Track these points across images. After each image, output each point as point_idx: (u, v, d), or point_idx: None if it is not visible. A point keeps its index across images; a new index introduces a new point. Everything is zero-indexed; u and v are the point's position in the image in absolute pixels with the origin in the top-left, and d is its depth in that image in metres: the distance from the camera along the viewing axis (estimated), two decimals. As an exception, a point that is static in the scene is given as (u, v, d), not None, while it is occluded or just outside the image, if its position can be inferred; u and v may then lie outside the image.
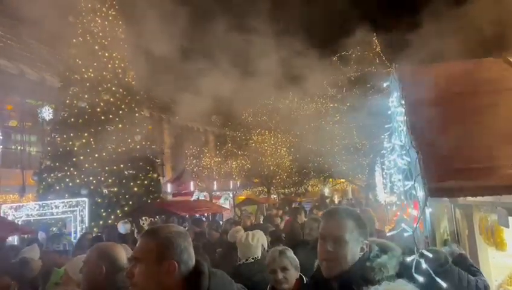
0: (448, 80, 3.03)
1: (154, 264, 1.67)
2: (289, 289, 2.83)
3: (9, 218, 10.84)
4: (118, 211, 14.06)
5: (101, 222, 13.35)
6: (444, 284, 2.03)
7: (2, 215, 10.93)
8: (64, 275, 3.06)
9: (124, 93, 15.74)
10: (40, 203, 11.92)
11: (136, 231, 10.18)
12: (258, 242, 3.69)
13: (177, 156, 29.27)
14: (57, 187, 14.02)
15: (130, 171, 15.01)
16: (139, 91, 16.88)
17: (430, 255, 2.16)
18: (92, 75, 15.06)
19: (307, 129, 22.99)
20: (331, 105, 24.04)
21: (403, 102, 2.83)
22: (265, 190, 24.89)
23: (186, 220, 12.85)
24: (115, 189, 14.42)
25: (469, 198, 3.00)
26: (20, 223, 10.84)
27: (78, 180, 13.97)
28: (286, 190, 26.71)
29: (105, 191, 14.25)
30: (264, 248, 3.92)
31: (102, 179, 14.28)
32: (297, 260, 2.97)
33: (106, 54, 15.54)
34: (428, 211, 2.86)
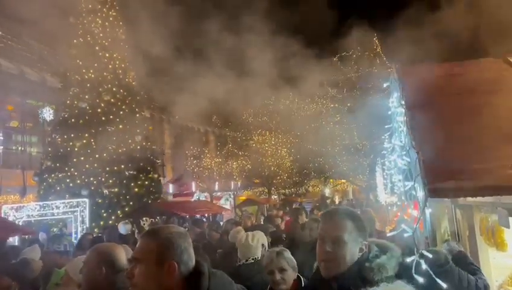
0: (448, 80, 3.03)
1: (155, 265, 1.67)
2: None
3: (10, 219, 10.85)
4: (119, 212, 14.07)
5: (101, 223, 13.36)
6: (444, 285, 2.03)
7: (2, 215, 10.94)
8: (65, 275, 3.07)
9: (125, 93, 15.75)
10: (41, 203, 11.93)
11: (136, 231, 10.18)
12: (258, 243, 3.69)
13: (178, 157, 29.28)
14: (58, 188, 14.03)
15: (131, 172, 15.03)
16: (139, 92, 16.89)
17: (430, 256, 2.16)
18: (93, 75, 15.08)
19: (308, 130, 22.98)
20: (332, 105, 24.04)
21: (403, 102, 2.83)
22: (266, 190, 24.88)
23: (187, 220, 12.86)
24: (116, 189, 14.43)
25: (469, 198, 3.00)
26: (20, 223, 10.84)
27: (78, 181, 13.98)
28: (287, 191, 26.70)
29: (105, 191, 14.26)
30: (265, 249, 3.92)
31: (103, 179, 14.29)
32: (294, 260, 2.96)
33: (107, 55, 15.56)
34: (428, 211, 2.86)
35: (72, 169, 14.08)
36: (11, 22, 22.07)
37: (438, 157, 2.39)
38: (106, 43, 15.64)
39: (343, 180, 29.57)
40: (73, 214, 11.45)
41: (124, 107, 15.48)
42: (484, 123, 2.56)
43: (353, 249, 1.78)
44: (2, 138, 19.49)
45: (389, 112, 3.50)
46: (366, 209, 6.79)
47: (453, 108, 2.72)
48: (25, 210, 11.45)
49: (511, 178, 2.16)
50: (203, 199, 21.82)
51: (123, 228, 8.85)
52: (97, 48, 15.41)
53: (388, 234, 3.92)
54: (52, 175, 14.34)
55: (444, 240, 3.74)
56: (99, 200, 13.94)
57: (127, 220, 9.57)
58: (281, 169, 24.02)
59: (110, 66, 15.54)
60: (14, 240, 10.15)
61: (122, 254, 2.45)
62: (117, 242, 4.20)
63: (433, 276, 2.01)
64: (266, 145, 23.75)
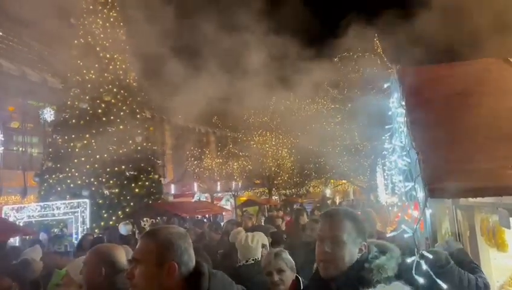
0: (449, 80, 3.02)
1: (155, 266, 1.67)
2: None
3: (11, 219, 10.86)
4: (119, 212, 14.08)
5: (102, 223, 13.37)
6: (444, 286, 2.02)
7: (3, 216, 10.95)
8: (66, 276, 3.07)
9: (125, 94, 15.77)
10: (42, 204, 11.94)
11: (137, 232, 10.19)
12: (258, 244, 3.69)
13: (179, 157, 29.30)
14: (58, 188, 14.05)
15: (131, 173, 15.04)
16: (140, 92, 16.91)
17: (431, 256, 2.15)
18: (93, 76, 15.09)
19: (308, 130, 22.99)
20: (332, 106, 24.06)
21: (403, 103, 2.83)
22: (267, 191, 24.88)
23: (187, 221, 12.86)
24: (116, 190, 14.44)
25: (470, 199, 3.00)
26: (21, 224, 10.85)
27: (79, 182, 13.99)
28: (287, 191, 26.69)
29: (106, 192, 14.28)
30: (267, 249, 3.92)
31: (104, 180, 14.30)
32: (293, 261, 2.96)
33: (107, 56, 15.58)
34: (428, 212, 2.86)
35: (73, 170, 14.09)
36: (12, 22, 22.12)
37: (438, 157, 2.39)
38: (107, 44, 15.66)
39: (344, 181, 29.59)
40: (74, 215, 11.46)
41: (124, 108, 15.50)
42: (484, 123, 2.55)
43: (352, 250, 1.77)
44: (2, 138, 19.52)
45: (390, 113, 3.49)
46: (367, 210, 6.77)
47: (454, 108, 2.72)
48: (25, 211, 11.46)
49: (511, 178, 2.16)
50: (204, 199, 21.84)
51: (124, 228, 8.86)
52: (98, 48, 15.43)
53: (388, 235, 3.92)
54: (53, 176, 14.36)
55: (456, 241, 3.73)
56: (100, 201, 13.95)
57: (127, 221, 9.59)
58: (281, 170, 24.03)
59: (110, 67, 15.57)
60: (14, 241, 10.17)
61: (122, 255, 2.46)
62: (118, 243, 4.21)
63: (434, 277, 2.01)
64: (267, 145, 23.75)
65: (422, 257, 2.08)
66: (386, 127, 3.67)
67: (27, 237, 10.12)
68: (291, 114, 24.22)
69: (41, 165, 15.69)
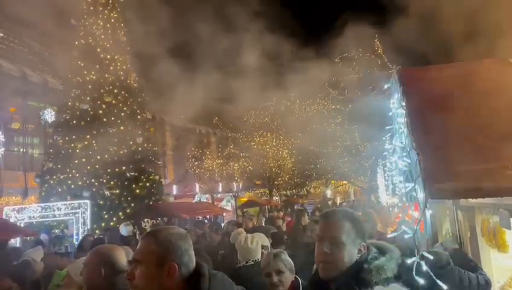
0: (449, 81, 3.02)
1: (155, 267, 1.67)
2: None
3: (12, 220, 10.86)
4: (120, 213, 14.08)
5: (103, 224, 13.36)
6: (444, 287, 2.02)
7: (4, 217, 10.96)
8: (66, 277, 3.08)
9: (126, 95, 15.77)
10: (42, 205, 11.94)
11: (138, 233, 10.19)
12: (258, 245, 3.69)
13: (179, 158, 29.32)
14: (59, 189, 14.05)
15: (132, 173, 15.04)
16: (140, 93, 16.93)
17: (431, 257, 2.15)
18: (94, 77, 15.10)
19: (309, 131, 22.99)
20: (333, 107, 24.06)
21: (403, 104, 2.83)
22: (267, 191, 24.88)
23: (188, 222, 12.86)
24: (117, 191, 14.44)
25: (471, 200, 3.00)
26: (22, 225, 10.86)
27: (80, 182, 14.00)
28: (288, 192, 26.69)
29: (107, 193, 14.28)
30: (268, 250, 3.92)
31: (104, 181, 14.31)
32: (292, 262, 2.96)
33: (108, 56, 15.59)
34: (428, 212, 2.86)
35: (74, 170, 14.10)
36: (13, 23, 22.16)
37: (438, 158, 2.39)
38: (107, 45, 15.68)
39: (344, 182, 29.59)
40: (75, 216, 11.46)
41: (125, 108, 15.50)
42: (484, 124, 2.55)
43: (351, 251, 1.77)
44: (3, 139, 19.55)
45: (390, 114, 3.49)
46: (368, 211, 6.78)
47: (454, 109, 2.72)
48: (26, 212, 11.46)
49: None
50: (205, 200, 21.83)
51: (124, 229, 8.86)
52: (98, 49, 15.44)
53: (389, 236, 3.92)
54: (54, 177, 14.37)
55: (452, 241, 3.73)
56: (101, 202, 13.95)
57: (128, 222, 9.59)
58: (282, 170, 24.03)
59: (111, 68, 15.58)
60: (15, 242, 10.17)
61: (122, 256, 2.46)
62: (118, 244, 4.21)
63: (434, 277, 2.01)
64: (267, 146, 23.76)
65: (422, 257, 2.08)
66: (387, 127, 3.67)
67: (28, 238, 10.12)
68: (292, 115, 24.24)
69: (42, 166, 15.70)
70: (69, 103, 15.16)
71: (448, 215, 3.84)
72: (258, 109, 24.19)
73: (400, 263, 1.78)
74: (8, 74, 21.08)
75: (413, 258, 2.02)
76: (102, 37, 15.69)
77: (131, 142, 15.12)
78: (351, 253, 1.77)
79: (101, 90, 15.15)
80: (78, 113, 14.91)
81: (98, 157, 14.13)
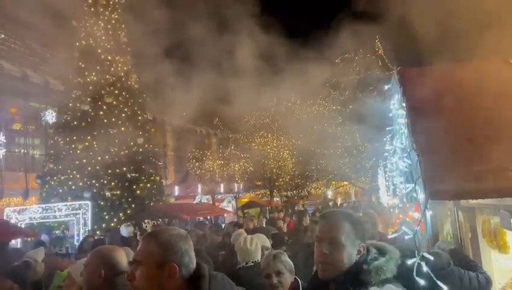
0: (450, 81, 3.02)
1: (155, 267, 1.68)
2: None
3: (13, 221, 10.87)
4: (121, 214, 14.08)
5: (103, 225, 13.37)
6: (445, 288, 2.02)
7: (5, 218, 10.97)
8: (68, 277, 3.08)
9: (127, 96, 15.79)
10: (43, 206, 11.94)
11: (139, 234, 10.18)
12: (257, 246, 3.68)
13: (180, 159, 29.33)
14: (60, 190, 14.06)
15: (133, 174, 15.04)
16: (141, 94, 16.94)
17: (432, 258, 2.15)
18: (95, 78, 15.12)
19: (310, 132, 23.00)
20: (334, 108, 24.07)
21: (404, 104, 2.83)
22: (268, 192, 24.88)
23: (189, 223, 12.86)
24: (118, 192, 14.44)
25: (471, 201, 3.00)
26: (23, 226, 10.87)
27: (81, 183, 14.01)
28: (289, 193, 26.70)
29: (108, 194, 14.28)
30: (269, 251, 3.92)
31: (105, 182, 14.31)
32: (292, 263, 2.96)
33: (109, 58, 15.61)
34: (429, 213, 2.86)
35: (74, 171, 14.11)
36: (14, 24, 22.20)
37: (438, 159, 2.39)
38: (108, 46, 15.70)
39: (345, 183, 29.57)
40: (76, 217, 11.46)
41: (126, 109, 15.52)
42: (485, 124, 2.55)
43: (350, 252, 1.77)
44: (4, 140, 19.57)
45: (390, 114, 3.49)
46: (369, 212, 6.77)
47: (454, 110, 2.72)
48: (27, 213, 11.47)
49: (512, 180, 2.15)
50: (205, 201, 21.83)
51: (125, 230, 8.85)
52: (99, 50, 15.46)
53: (389, 236, 3.92)
54: (55, 177, 14.37)
55: (447, 242, 3.73)
56: (102, 203, 13.96)
57: (129, 223, 9.57)
58: (283, 171, 24.03)
59: (112, 69, 15.60)
60: (16, 243, 10.18)
61: (123, 257, 2.46)
62: (119, 244, 4.21)
63: (434, 278, 2.00)
64: (268, 147, 23.77)
65: (423, 258, 2.08)
66: (387, 128, 3.67)
67: (29, 239, 10.13)
68: (292, 116, 24.25)
69: (42, 167, 15.71)
70: (70, 104, 15.17)
71: (449, 216, 3.84)
72: (258, 110, 24.20)
73: (399, 264, 1.78)
74: (9, 75, 21.10)
75: (414, 259, 2.01)
76: (103, 38, 15.71)
77: (132, 143, 15.13)
78: (350, 254, 1.77)
79: (102, 91, 15.16)
80: (78, 114, 14.92)
81: (99, 158, 14.13)
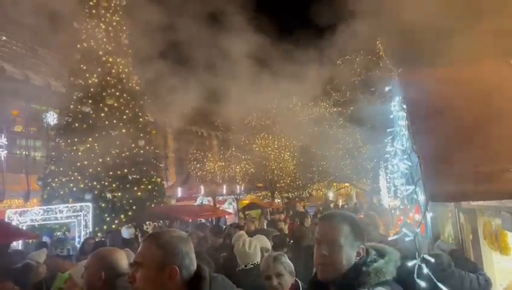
0: (450, 83, 3.02)
1: (156, 269, 1.67)
2: None
3: (14, 223, 10.87)
4: (122, 216, 14.09)
5: (105, 227, 13.38)
6: (445, 289, 2.02)
7: (6, 220, 10.98)
8: (69, 279, 3.08)
9: (128, 98, 15.82)
10: (44, 208, 11.94)
11: (140, 235, 10.18)
12: (256, 249, 3.68)
13: (181, 161, 29.34)
14: (61, 192, 14.08)
15: (134, 176, 15.06)
16: (142, 96, 16.98)
17: (432, 260, 2.15)
18: (96, 80, 15.16)
19: (311, 133, 22.99)
20: (335, 109, 24.07)
21: (404, 106, 2.83)
22: (269, 194, 24.85)
23: (190, 224, 12.85)
24: (119, 194, 14.45)
25: (473, 202, 3.00)
26: (24, 228, 10.88)
27: (82, 185, 14.02)
28: (290, 194, 26.66)
29: (109, 195, 14.30)
30: (270, 252, 3.91)
31: (106, 183, 14.33)
32: (292, 265, 2.95)
33: (110, 59, 15.65)
34: (429, 215, 2.86)
35: (76, 173, 14.13)
36: (16, 27, 22.27)
37: (439, 161, 2.38)
38: (109, 48, 15.74)
39: (346, 184, 29.53)
40: (77, 219, 11.46)
41: (127, 111, 15.55)
42: (486, 126, 2.55)
43: (350, 253, 1.77)
44: (6, 142, 19.61)
45: (391, 116, 3.49)
46: (371, 213, 6.77)
47: (455, 111, 2.71)
48: (28, 214, 11.47)
49: (513, 182, 2.15)
50: (206, 203, 21.81)
51: (126, 232, 8.85)
52: (100, 52, 15.50)
53: (390, 238, 3.91)
54: (56, 179, 14.39)
55: (448, 243, 3.73)
56: (103, 205, 13.97)
57: (130, 224, 9.57)
58: (284, 173, 24.01)
59: (113, 71, 15.63)
60: (18, 245, 10.18)
61: (123, 258, 2.46)
62: (120, 246, 4.21)
63: (435, 280, 2.00)
64: (269, 148, 23.75)
65: (423, 260, 2.08)
66: (388, 130, 3.67)
67: (30, 241, 10.13)
68: (293, 117, 24.24)
69: (44, 168, 15.73)
70: (71, 106, 15.21)
71: (450, 218, 3.83)
72: (259, 111, 24.20)
73: (399, 266, 1.78)
74: (11, 77, 21.17)
75: (415, 261, 2.01)
76: (104, 40, 15.75)
77: (133, 145, 15.16)
78: (349, 255, 1.77)
79: (103, 93, 15.20)
80: (80, 116, 14.95)
81: (100, 160, 14.16)
